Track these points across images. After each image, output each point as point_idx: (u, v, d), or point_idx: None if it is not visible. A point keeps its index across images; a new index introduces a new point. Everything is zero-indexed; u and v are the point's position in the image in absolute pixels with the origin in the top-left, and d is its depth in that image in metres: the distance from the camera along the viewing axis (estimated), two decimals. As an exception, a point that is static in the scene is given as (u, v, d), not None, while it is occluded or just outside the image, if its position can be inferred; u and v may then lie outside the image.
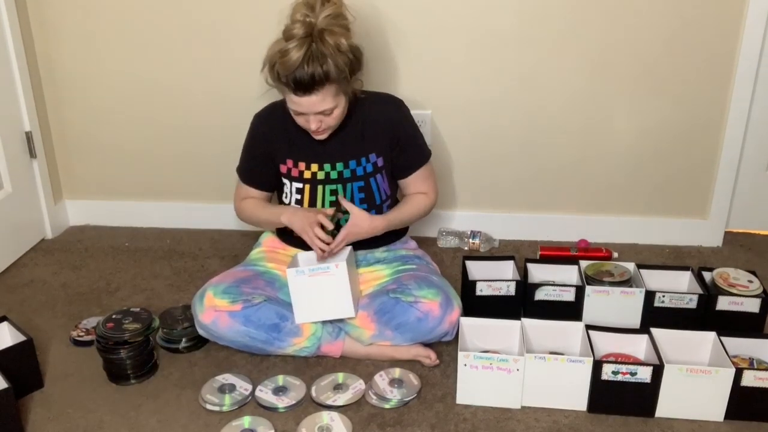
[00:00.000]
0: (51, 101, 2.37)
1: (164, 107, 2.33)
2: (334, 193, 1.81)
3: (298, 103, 1.65)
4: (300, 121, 1.71)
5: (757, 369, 1.57)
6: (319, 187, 1.81)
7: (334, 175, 1.81)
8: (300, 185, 1.82)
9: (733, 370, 1.52)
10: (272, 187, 1.91)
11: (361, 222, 1.77)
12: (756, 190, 2.32)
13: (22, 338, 1.65)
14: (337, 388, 1.65)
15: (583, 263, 1.93)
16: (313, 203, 1.82)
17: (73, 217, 2.53)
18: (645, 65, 2.13)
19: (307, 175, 1.81)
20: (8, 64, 2.19)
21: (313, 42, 1.60)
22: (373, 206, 1.84)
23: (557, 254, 2.22)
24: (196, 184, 2.43)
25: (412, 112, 1.89)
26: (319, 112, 1.66)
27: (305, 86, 1.60)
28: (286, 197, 1.86)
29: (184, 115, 2.33)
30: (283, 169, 1.83)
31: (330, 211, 1.77)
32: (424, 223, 2.35)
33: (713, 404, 1.55)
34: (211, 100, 2.30)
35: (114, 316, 1.73)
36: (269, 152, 1.84)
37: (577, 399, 1.59)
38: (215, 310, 1.69)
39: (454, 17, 2.11)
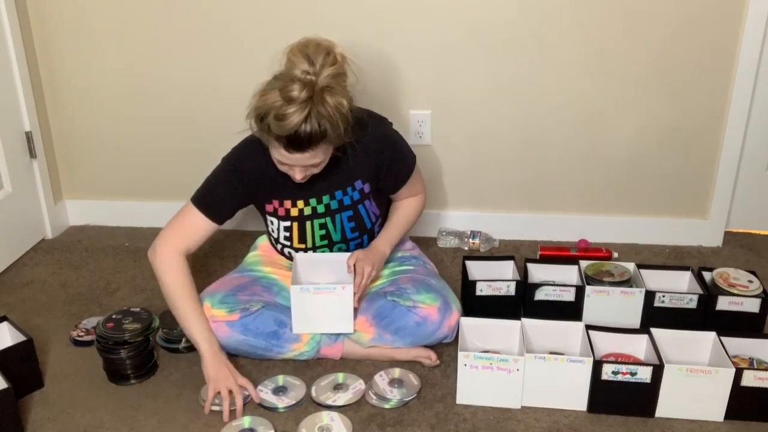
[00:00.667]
0: (51, 101, 2.37)
1: (164, 107, 2.33)
2: (323, 227, 1.76)
3: (287, 158, 1.55)
4: (283, 168, 1.61)
5: (757, 369, 1.57)
6: (308, 223, 1.76)
7: (321, 209, 1.75)
8: (288, 223, 1.76)
9: (733, 370, 1.52)
10: (225, 220, 1.75)
11: (374, 258, 1.74)
12: (756, 190, 2.32)
13: (22, 338, 1.65)
14: (337, 388, 1.65)
15: (583, 263, 1.93)
16: (302, 240, 1.77)
17: (73, 217, 2.53)
18: (645, 65, 2.13)
19: (294, 212, 1.75)
20: (8, 64, 2.19)
21: (314, 103, 1.48)
22: (364, 232, 1.80)
23: (557, 254, 2.22)
24: (196, 184, 2.40)
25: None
26: (306, 165, 1.59)
27: (299, 145, 1.51)
28: (273, 233, 1.80)
29: (184, 115, 2.33)
30: (269, 208, 1.76)
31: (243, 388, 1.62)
32: (424, 223, 2.35)
33: (713, 404, 1.55)
34: (211, 101, 2.30)
35: (114, 316, 1.73)
36: (248, 193, 1.74)
37: (577, 399, 1.59)
38: (213, 321, 1.67)
39: (455, 17, 2.11)
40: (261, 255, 1.91)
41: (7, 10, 2.15)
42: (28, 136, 2.30)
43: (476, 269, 1.95)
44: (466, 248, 2.33)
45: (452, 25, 2.12)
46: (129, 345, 1.66)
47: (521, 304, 1.86)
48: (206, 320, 1.66)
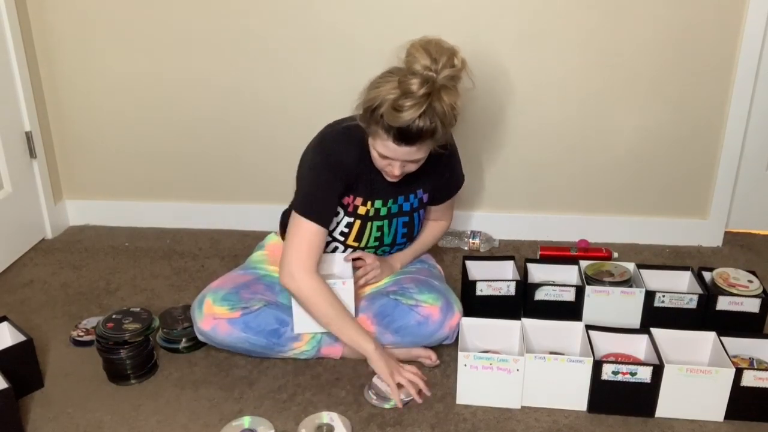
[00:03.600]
0: (51, 101, 2.37)
1: (164, 107, 2.33)
2: (380, 229, 1.77)
3: (392, 151, 1.54)
4: (381, 163, 1.61)
5: (757, 369, 1.57)
6: (368, 224, 1.76)
7: (383, 211, 1.75)
8: (351, 220, 1.75)
9: (733, 370, 1.52)
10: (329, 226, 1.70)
11: (384, 266, 1.81)
12: (756, 190, 2.32)
13: (22, 338, 1.65)
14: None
15: (583, 263, 1.93)
16: (358, 239, 1.76)
17: (73, 217, 2.53)
18: (645, 65, 2.13)
19: (361, 211, 1.74)
20: (8, 64, 2.19)
21: (432, 99, 1.47)
22: (411, 239, 1.85)
23: (557, 254, 2.22)
24: (196, 184, 2.43)
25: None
26: (410, 161, 1.58)
27: (409, 139, 1.50)
28: (331, 225, 1.74)
29: (184, 114, 2.33)
30: (345, 201, 1.72)
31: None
32: (424, 223, 2.35)
33: (713, 404, 1.55)
34: (210, 101, 2.30)
35: (114, 316, 1.73)
36: (344, 188, 1.67)
37: (577, 399, 1.59)
38: (214, 318, 1.68)
39: (456, 18, 2.12)
40: (266, 254, 1.91)
41: (8, 11, 2.14)
42: (28, 136, 2.30)
43: (476, 269, 1.95)
44: (466, 248, 2.33)
45: (454, 26, 2.12)
46: (129, 345, 1.66)
47: (521, 304, 1.86)
48: (358, 323, 1.67)
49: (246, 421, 1.55)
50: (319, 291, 1.61)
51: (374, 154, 1.61)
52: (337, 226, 1.76)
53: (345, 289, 1.66)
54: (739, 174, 2.27)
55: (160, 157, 2.40)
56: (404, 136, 1.51)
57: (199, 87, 2.28)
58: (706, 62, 2.11)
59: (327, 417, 1.56)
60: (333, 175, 1.64)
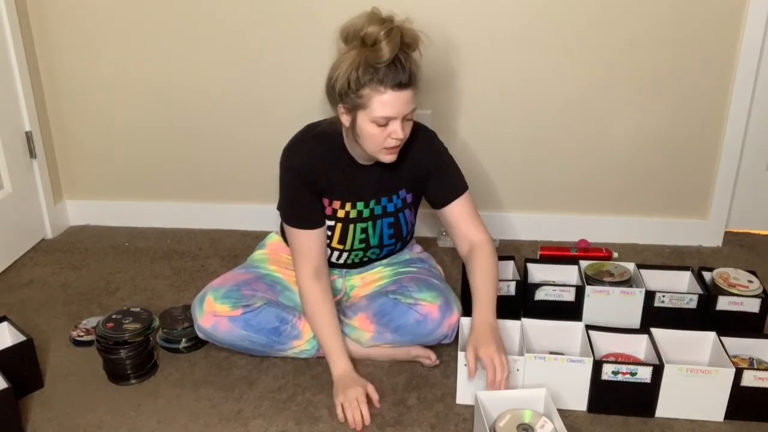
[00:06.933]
0: (51, 101, 2.37)
1: (164, 108, 2.33)
2: (364, 231, 1.76)
3: (392, 103, 1.50)
4: (380, 137, 1.55)
5: (757, 369, 1.57)
6: (351, 226, 1.75)
7: (366, 213, 1.75)
8: (332, 223, 1.74)
9: (733, 370, 1.52)
10: (324, 222, 1.73)
11: (490, 338, 1.57)
12: (756, 190, 2.32)
13: (22, 338, 1.65)
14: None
15: (583, 263, 1.93)
16: (342, 241, 1.76)
17: (73, 217, 2.53)
18: (645, 65, 2.13)
19: (341, 214, 1.74)
20: (8, 64, 2.19)
21: (396, 29, 1.49)
22: (399, 239, 1.82)
23: (557, 254, 2.22)
24: (196, 184, 2.43)
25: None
26: (407, 115, 1.54)
27: (403, 80, 1.49)
28: (320, 222, 1.75)
29: (184, 115, 2.33)
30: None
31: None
32: (425, 223, 2.35)
33: (713, 404, 1.55)
34: (210, 101, 2.30)
35: (114, 316, 1.73)
36: (316, 188, 1.69)
37: (577, 399, 1.59)
38: (215, 315, 1.68)
39: (456, 17, 2.11)
40: (267, 253, 1.90)
41: (8, 11, 2.15)
42: (28, 136, 2.30)
43: (476, 269, 1.95)
44: (466, 248, 2.33)
45: (453, 25, 2.12)
46: (129, 345, 1.66)
47: (521, 304, 1.86)
48: (342, 338, 1.69)
49: (527, 414, 1.42)
50: (308, 298, 1.69)
51: (369, 132, 1.55)
52: None
53: None
54: (739, 174, 2.27)
55: (160, 158, 2.40)
56: (397, 76, 1.49)
57: (199, 87, 2.28)
58: (706, 62, 2.11)
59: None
60: (299, 178, 1.67)
